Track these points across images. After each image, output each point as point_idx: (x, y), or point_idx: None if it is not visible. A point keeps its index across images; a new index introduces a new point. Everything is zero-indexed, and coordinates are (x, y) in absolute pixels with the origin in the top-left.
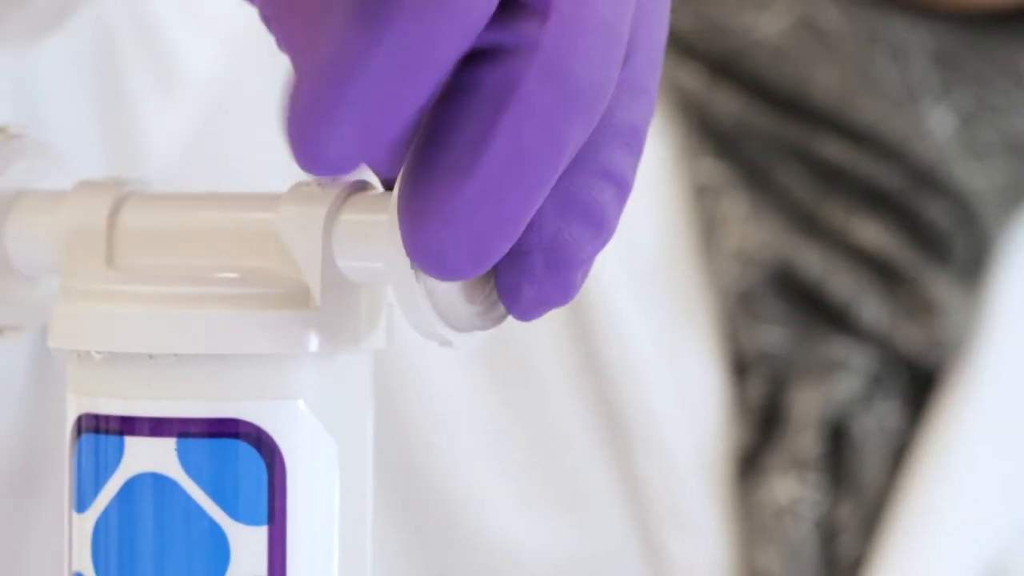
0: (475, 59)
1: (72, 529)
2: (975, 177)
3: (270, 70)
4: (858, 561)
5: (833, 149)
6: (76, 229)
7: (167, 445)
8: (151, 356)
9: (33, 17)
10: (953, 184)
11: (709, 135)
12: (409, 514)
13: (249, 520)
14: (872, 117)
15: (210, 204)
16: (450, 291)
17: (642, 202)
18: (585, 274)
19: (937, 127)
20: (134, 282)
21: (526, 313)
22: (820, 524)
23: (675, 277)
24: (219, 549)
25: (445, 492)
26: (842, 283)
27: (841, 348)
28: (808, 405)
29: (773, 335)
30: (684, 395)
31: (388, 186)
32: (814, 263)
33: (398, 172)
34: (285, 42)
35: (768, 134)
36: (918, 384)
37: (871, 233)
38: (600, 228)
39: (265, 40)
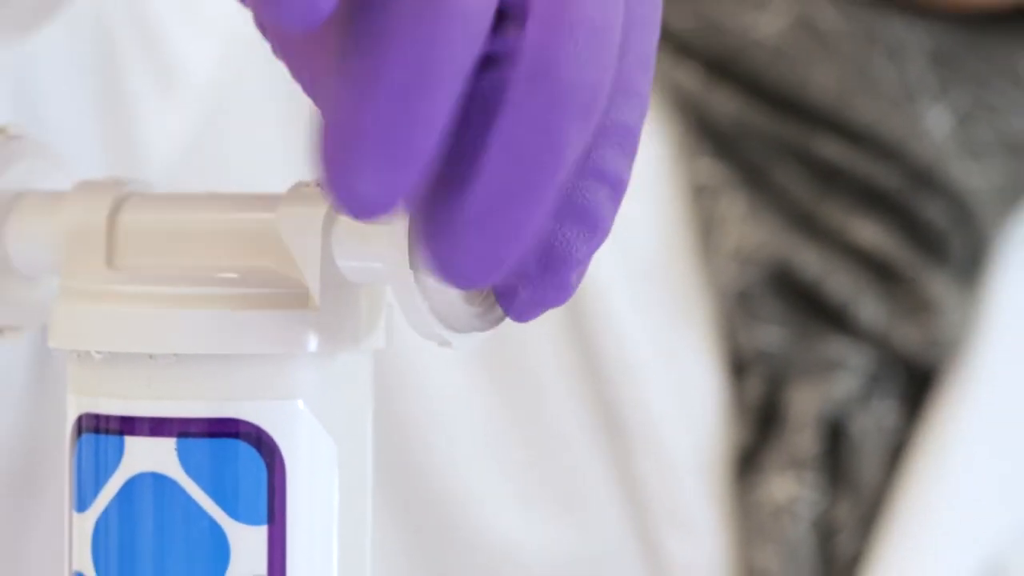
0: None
1: (72, 529)
2: (972, 177)
3: (270, 71)
4: (855, 560)
5: (831, 149)
6: (76, 229)
7: (167, 445)
8: (151, 356)
9: (22, 9)
10: (950, 184)
11: (707, 135)
12: (408, 514)
13: (249, 520)
14: (870, 117)
15: (210, 204)
16: (449, 291)
17: (640, 202)
18: (581, 275)
19: (934, 127)
20: (134, 282)
21: (522, 314)
22: (818, 523)
23: (673, 277)
24: (219, 548)
25: (444, 492)
26: (840, 282)
27: (839, 347)
28: (806, 404)
29: (771, 334)
30: (682, 395)
31: None
32: (812, 263)
33: None
34: (296, 78)
35: (766, 134)
36: (916, 383)
37: (869, 233)
38: (595, 229)
39: (265, 41)
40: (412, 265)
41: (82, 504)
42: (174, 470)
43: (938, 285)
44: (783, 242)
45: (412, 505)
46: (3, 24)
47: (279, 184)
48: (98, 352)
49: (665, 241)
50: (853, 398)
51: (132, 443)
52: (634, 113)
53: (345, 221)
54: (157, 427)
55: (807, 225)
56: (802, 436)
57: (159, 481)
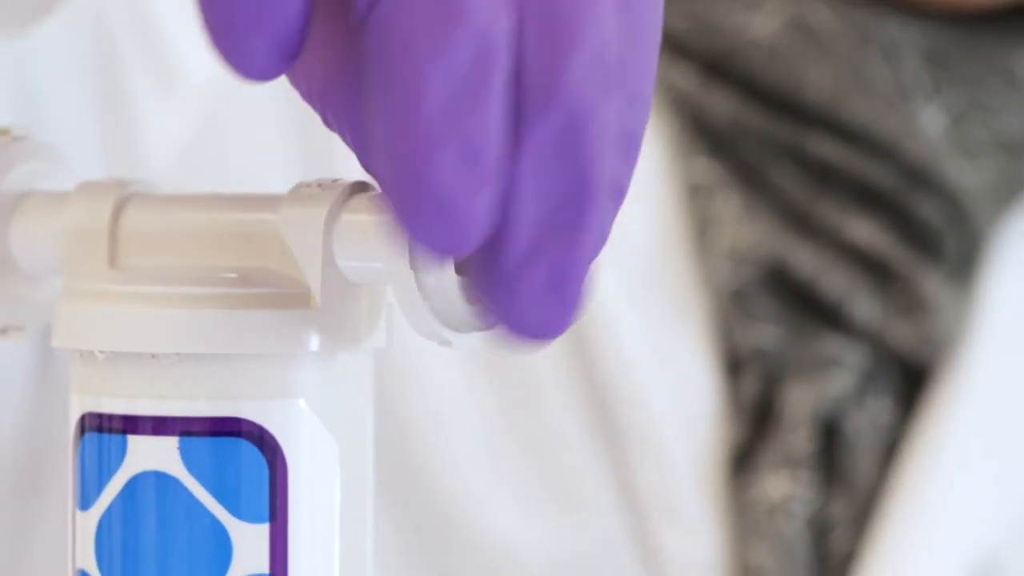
0: None
1: (75, 527)
2: (966, 175)
3: None
4: (850, 558)
5: (825, 148)
6: (79, 230)
7: (170, 444)
8: (154, 356)
9: (20, 4)
10: (944, 182)
11: (702, 134)
12: (407, 514)
13: (251, 518)
14: (864, 116)
15: (211, 205)
16: (449, 291)
17: (635, 202)
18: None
19: (929, 126)
20: (137, 282)
21: None
22: (812, 521)
23: (669, 276)
24: (221, 546)
25: (443, 492)
26: (835, 281)
27: (834, 346)
28: (801, 403)
29: (766, 333)
30: (678, 393)
31: None
32: (807, 261)
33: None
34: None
35: (761, 133)
36: (910, 381)
37: (863, 231)
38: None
39: None
40: (412, 265)
41: (85, 503)
42: (177, 469)
43: (932, 283)
44: (778, 241)
45: (411, 505)
46: (2, 19)
47: (279, 184)
48: (101, 352)
49: (660, 240)
50: (848, 396)
51: (135, 442)
52: (637, 118)
53: (347, 221)
54: (160, 426)
55: (802, 224)
56: (797, 434)
57: (162, 480)
